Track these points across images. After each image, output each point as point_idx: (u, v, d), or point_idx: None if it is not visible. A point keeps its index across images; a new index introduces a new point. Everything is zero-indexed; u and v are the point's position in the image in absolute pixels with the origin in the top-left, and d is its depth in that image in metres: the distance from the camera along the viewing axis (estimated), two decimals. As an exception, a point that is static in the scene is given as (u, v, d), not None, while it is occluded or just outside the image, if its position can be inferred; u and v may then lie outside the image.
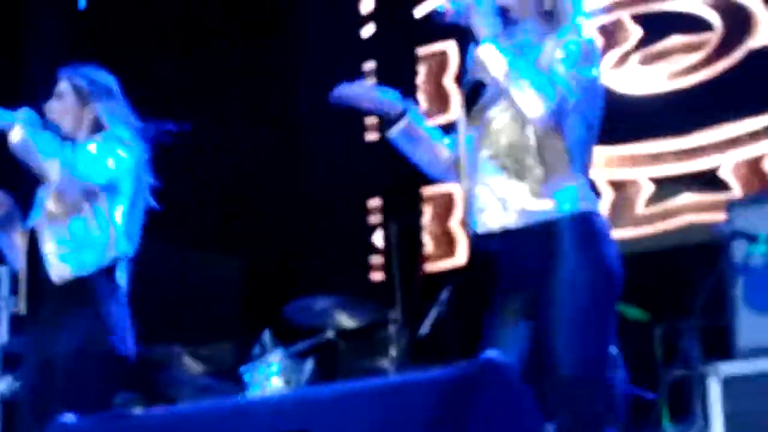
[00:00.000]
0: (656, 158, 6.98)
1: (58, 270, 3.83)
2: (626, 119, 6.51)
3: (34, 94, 4.53)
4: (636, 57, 7.02)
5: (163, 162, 4.12)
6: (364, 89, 3.29)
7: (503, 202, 2.97)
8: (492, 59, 2.89)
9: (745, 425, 4.38)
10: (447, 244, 7.77)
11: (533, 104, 2.82)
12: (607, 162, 6.98)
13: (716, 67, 6.76)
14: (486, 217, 3.01)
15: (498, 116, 3.00)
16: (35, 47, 8.81)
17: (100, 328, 3.78)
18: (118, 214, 3.96)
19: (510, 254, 3.00)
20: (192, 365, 6.05)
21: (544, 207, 2.93)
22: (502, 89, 2.90)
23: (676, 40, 6.89)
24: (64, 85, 4.08)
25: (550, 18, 3.06)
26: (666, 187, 6.94)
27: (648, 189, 6.99)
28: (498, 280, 3.06)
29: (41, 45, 8.77)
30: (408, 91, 7.79)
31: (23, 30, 9.01)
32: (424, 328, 5.61)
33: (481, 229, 3.04)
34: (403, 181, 7.42)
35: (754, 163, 6.62)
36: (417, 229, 7.75)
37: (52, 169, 3.81)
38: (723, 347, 4.72)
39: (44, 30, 9.01)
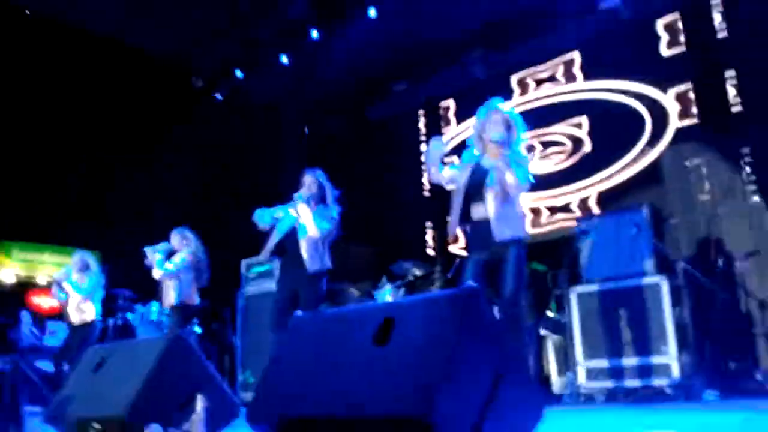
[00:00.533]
0: (548, 198, 9.08)
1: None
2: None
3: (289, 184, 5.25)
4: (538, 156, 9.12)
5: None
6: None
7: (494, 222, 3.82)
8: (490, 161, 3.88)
9: (587, 313, 5.21)
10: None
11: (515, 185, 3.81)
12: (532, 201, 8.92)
13: (570, 161, 9.06)
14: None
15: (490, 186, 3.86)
16: (289, 158, 10.91)
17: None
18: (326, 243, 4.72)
19: (484, 241, 3.88)
20: (353, 292, 7.10)
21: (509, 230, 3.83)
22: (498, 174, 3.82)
23: (553, 150, 9.19)
24: (310, 179, 4.89)
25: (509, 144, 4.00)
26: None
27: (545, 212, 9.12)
28: (473, 252, 3.98)
29: (292, 157, 10.89)
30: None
31: (282, 153, 11.10)
32: (449, 275, 6.56)
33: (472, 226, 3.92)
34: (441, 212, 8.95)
35: (585, 201, 8.74)
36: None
37: (310, 227, 4.59)
38: (577, 280, 5.47)
39: (292, 149, 11.25)
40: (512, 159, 3.86)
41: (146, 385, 3.14)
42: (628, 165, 8.40)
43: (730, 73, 7.66)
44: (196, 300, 6.20)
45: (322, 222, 4.65)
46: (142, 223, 8.93)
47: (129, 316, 8.17)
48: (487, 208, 3.86)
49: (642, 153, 8.29)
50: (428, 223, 10.18)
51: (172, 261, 6.13)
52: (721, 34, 7.81)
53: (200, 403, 3.07)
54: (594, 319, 5.21)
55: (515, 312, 3.70)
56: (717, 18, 7.86)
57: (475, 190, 3.95)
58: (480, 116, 4.10)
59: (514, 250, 3.81)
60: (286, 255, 4.83)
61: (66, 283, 6.71)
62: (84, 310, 6.65)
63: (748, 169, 6.86)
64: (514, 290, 3.74)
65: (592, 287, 5.33)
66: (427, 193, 10.26)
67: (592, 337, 5.18)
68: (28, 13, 8.86)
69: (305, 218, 4.61)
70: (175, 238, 6.31)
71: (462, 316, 2.22)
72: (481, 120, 4.08)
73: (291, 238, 4.78)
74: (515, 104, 9.59)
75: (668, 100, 8.24)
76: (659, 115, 8.27)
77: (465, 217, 3.97)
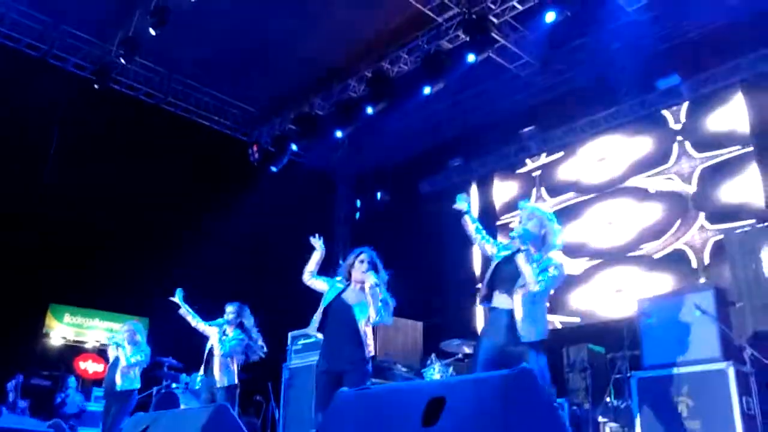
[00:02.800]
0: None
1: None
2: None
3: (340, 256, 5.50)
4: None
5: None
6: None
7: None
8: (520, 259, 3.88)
9: (648, 400, 5.02)
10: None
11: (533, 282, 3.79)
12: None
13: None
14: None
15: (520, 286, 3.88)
16: (340, 230, 11.10)
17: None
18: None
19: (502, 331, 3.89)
20: (401, 368, 6.91)
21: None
22: (520, 270, 3.87)
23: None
24: (363, 256, 4.58)
25: (543, 243, 4.04)
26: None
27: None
28: (488, 336, 4.01)
29: (344, 229, 11.12)
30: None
31: (334, 225, 11.34)
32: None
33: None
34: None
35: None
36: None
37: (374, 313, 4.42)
38: (637, 364, 5.29)
39: (343, 221, 11.44)
40: (532, 257, 3.87)
41: (187, 456, 3.09)
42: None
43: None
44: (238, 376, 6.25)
45: (382, 307, 4.45)
46: (190, 292, 9.01)
47: (173, 385, 8.18)
48: (514, 304, 3.85)
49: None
50: (478, 300, 9.94)
51: (229, 339, 6.16)
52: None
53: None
54: (655, 407, 4.99)
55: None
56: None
57: (504, 281, 3.97)
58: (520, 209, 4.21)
59: (534, 351, 3.78)
60: (331, 331, 4.51)
61: (118, 349, 6.77)
62: (127, 378, 6.69)
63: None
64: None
65: (654, 372, 5.11)
66: (477, 270, 10.08)
67: (653, 425, 4.92)
68: (96, 87, 9.31)
69: (373, 304, 4.41)
70: (231, 314, 6.29)
71: (514, 397, 2.15)
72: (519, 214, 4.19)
73: (338, 314, 4.51)
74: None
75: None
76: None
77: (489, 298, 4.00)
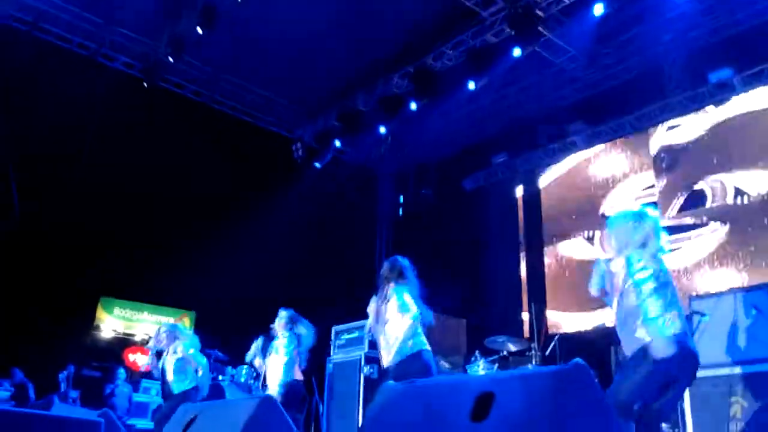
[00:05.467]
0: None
1: None
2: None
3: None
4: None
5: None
6: None
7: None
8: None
9: (700, 400, 4.81)
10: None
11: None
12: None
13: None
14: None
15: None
16: (384, 227, 11.02)
17: None
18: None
19: None
20: (444, 364, 6.86)
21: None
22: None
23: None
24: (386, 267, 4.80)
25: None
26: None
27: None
28: None
29: (387, 225, 11.07)
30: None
31: (377, 221, 11.39)
32: (546, 352, 6.58)
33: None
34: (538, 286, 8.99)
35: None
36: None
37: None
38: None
39: (387, 217, 11.47)
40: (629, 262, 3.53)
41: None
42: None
43: None
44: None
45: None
46: (236, 285, 9.12)
47: (219, 377, 8.26)
48: None
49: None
50: (524, 298, 9.79)
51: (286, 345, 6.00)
52: None
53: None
54: (707, 407, 4.81)
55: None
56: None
57: None
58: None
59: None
60: None
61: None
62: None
63: None
64: None
65: (706, 372, 4.72)
66: (522, 268, 9.95)
67: (704, 426, 4.77)
68: (145, 84, 9.48)
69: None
70: (283, 319, 6.15)
71: (568, 394, 2.09)
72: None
73: None
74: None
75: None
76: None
77: None
